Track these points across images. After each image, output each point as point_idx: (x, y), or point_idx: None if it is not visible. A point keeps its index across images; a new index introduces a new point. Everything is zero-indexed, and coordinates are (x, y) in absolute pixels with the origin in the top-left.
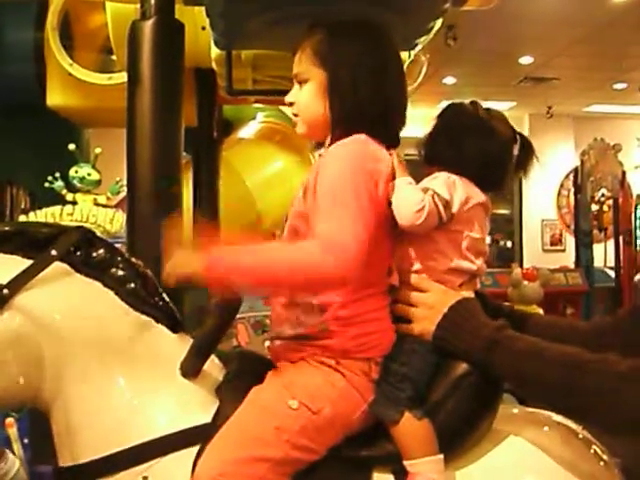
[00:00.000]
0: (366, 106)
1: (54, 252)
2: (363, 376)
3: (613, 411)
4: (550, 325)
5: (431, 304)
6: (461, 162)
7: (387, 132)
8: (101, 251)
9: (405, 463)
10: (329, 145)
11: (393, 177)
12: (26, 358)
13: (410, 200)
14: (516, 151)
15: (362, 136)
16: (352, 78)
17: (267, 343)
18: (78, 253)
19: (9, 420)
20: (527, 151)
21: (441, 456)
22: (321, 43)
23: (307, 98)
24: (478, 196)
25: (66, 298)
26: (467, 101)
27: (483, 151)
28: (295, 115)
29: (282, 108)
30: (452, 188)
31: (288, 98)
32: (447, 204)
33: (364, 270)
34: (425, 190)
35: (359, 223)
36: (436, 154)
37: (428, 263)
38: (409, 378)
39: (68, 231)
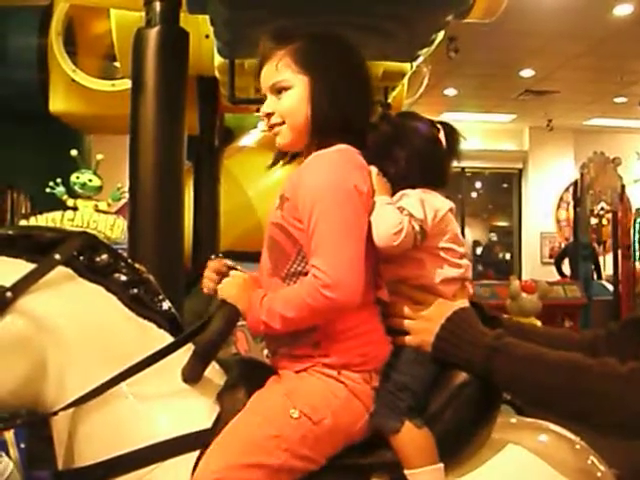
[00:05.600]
0: (349, 112)
1: (58, 256)
2: (365, 384)
3: (616, 413)
4: (545, 335)
5: (428, 316)
6: (406, 175)
7: (363, 139)
8: (104, 256)
9: (406, 472)
10: (306, 155)
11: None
12: (28, 361)
13: (388, 222)
14: (443, 140)
15: (342, 146)
16: (336, 84)
17: (266, 351)
18: (81, 258)
19: None
20: (452, 135)
21: (441, 465)
22: (301, 50)
23: (292, 104)
24: (444, 204)
25: (69, 302)
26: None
27: (416, 155)
28: (273, 126)
29: None
30: (423, 205)
31: (265, 109)
32: (422, 223)
33: None
34: (401, 210)
35: (354, 252)
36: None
37: (419, 281)
38: (409, 387)
39: (72, 236)
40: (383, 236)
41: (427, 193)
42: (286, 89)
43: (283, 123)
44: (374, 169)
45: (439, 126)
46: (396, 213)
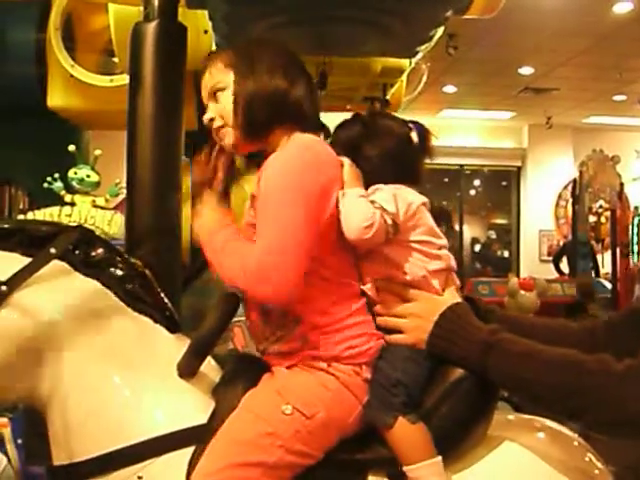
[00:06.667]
0: (279, 94)
1: (53, 250)
2: (356, 376)
3: (612, 411)
4: (542, 326)
5: (420, 313)
6: (379, 174)
7: (315, 121)
8: (100, 250)
9: (404, 469)
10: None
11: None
12: (24, 355)
13: (360, 215)
14: (415, 139)
15: (301, 140)
16: (256, 67)
17: None
18: (77, 252)
19: (3, 420)
20: (425, 135)
21: (439, 458)
22: (230, 52)
23: (228, 102)
24: (417, 198)
25: (64, 296)
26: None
27: (388, 154)
28: (218, 130)
29: None
30: (395, 200)
31: (207, 116)
32: (394, 217)
33: (322, 271)
34: (373, 203)
35: (297, 250)
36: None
37: (403, 277)
38: (402, 383)
39: (67, 230)
40: (354, 229)
41: (400, 188)
42: (221, 90)
43: (226, 125)
44: (347, 160)
45: (411, 125)
46: (368, 206)
